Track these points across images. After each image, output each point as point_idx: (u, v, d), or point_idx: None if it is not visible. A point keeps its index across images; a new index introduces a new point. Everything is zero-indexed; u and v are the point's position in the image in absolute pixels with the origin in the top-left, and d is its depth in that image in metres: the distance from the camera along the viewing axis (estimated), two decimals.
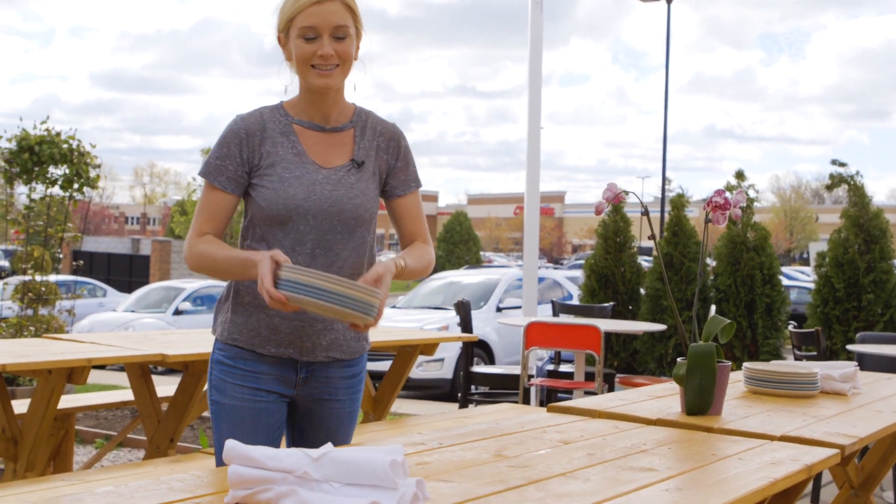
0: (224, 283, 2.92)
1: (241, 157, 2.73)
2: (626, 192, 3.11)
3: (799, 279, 27.00)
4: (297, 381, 2.81)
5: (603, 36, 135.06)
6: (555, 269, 25.59)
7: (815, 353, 6.87)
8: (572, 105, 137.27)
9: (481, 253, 49.83)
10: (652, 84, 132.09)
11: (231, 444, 1.81)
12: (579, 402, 3.30)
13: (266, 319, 2.75)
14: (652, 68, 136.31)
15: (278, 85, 2.85)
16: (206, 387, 3.71)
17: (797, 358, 6.95)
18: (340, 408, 2.88)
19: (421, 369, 11.79)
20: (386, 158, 2.86)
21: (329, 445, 1.84)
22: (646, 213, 3.15)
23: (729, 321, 3.10)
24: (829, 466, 2.71)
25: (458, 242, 46.98)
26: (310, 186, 2.71)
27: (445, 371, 11.97)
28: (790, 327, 8.03)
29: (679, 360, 3.09)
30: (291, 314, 2.72)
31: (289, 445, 2.87)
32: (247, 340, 2.77)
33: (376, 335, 5.94)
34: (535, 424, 2.85)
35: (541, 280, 14.12)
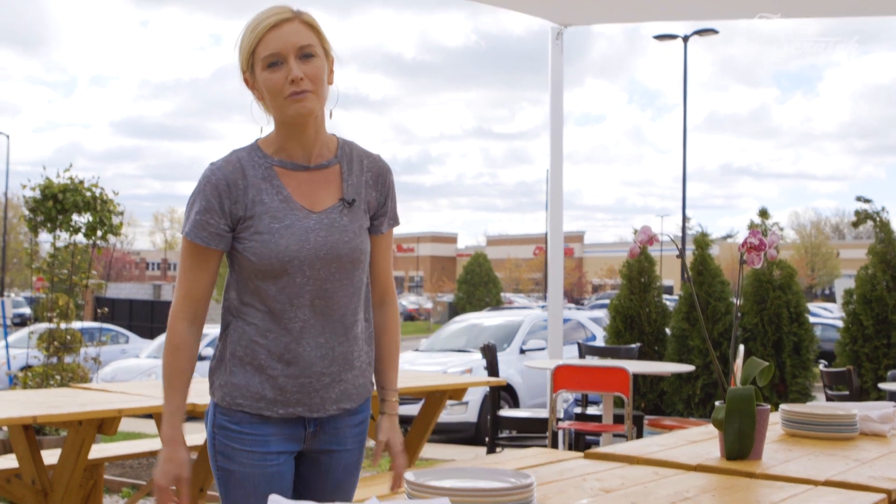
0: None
1: (222, 210, 2.56)
2: (660, 235, 3.09)
3: (823, 315, 26.82)
4: (307, 437, 2.69)
5: (618, 76, 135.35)
6: (577, 309, 25.52)
7: (846, 392, 6.80)
8: (589, 145, 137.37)
9: (502, 294, 49.76)
10: (667, 123, 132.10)
11: (275, 499, 1.79)
12: (616, 447, 3.26)
13: (270, 380, 2.59)
14: (667, 107, 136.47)
15: None
16: None
17: (828, 397, 6.88)
18: (348, 457, 2.77)
19: (446, 413, 11.70)
20: (375, 195, 2.72)
21: (374, 500, 1.81)
22: (681, 255, 3.12)
23: (766, 364, 3.06)
24: None
25: (479, 284, 46.96)
26: (302, 235, 2.56)
27: (470, 414, 11.90)
28: (820, 366, 7.94)
29: (717, 404, 3.05)
30: (295, 371, 2.59)
31: (293, 496, 2.72)
32: (251, 405, 2.60)
33: (406, 381, 5.91)
34: (574, 472, 2.81)
35: (564, 321, 14.07)
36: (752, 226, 10.02)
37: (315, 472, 2.75)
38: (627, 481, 2.67)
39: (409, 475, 2.16)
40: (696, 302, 3.38)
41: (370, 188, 2.71)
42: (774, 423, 3.73)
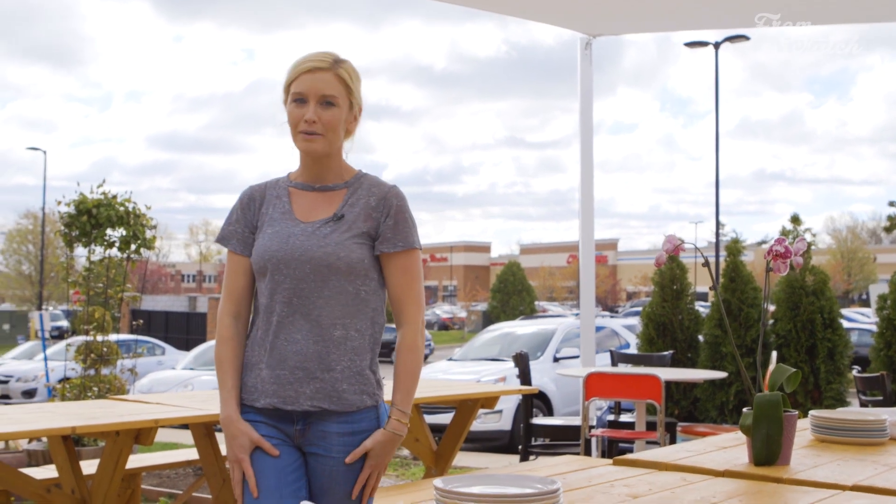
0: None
1: (245, 219, 3.00)
2: (684, 242, 3.11)
3: (859, 321, 26.61)
4: (295, 434, 2.86)
5: (649, 84, 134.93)
6: (611, 317, 25.45)
7: (881, 397, 6.77)
8: (622, 153, 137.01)
9: (536, 303, 49.66)
10: (699, 130, 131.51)
11: None
12: (645, 454, 3.29)
13: (257, 373, 2.88)
14: (699, 114, 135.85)
15: None
16: None
17: (862, 403, 6.85)
18: (333, 465, 2.84)
19: (479, 421, 11.73)
20: (375, 216, 2.91)
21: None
22: (706, 263, 3.15)
23: (794, 370, 3.08)
24: None
25: (513, 293, 46.89)
26: (285, 239, 2.88)
27: (504, 423, 11.91)
28: (854, 372, 7.91)
29: (745, 410, 3.07)
30: (273, 363, 2.85)
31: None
32: (247, 397, 2.89)
33: (437, 390, 5.95)
34: (602, 478, 2.84)
35: (598, 329, 14.04)
36: (783, 232, 10.00)
37: (308, 473, 2.89)
38: (655, 487, 2.70)
39: (437, 482, 2.20)
40: (722, 308, 3.39)
41: (371, 210, 2.92)
42: (804, 429, 3.74)
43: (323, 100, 2.86)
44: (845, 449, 3.41)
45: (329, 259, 2.83)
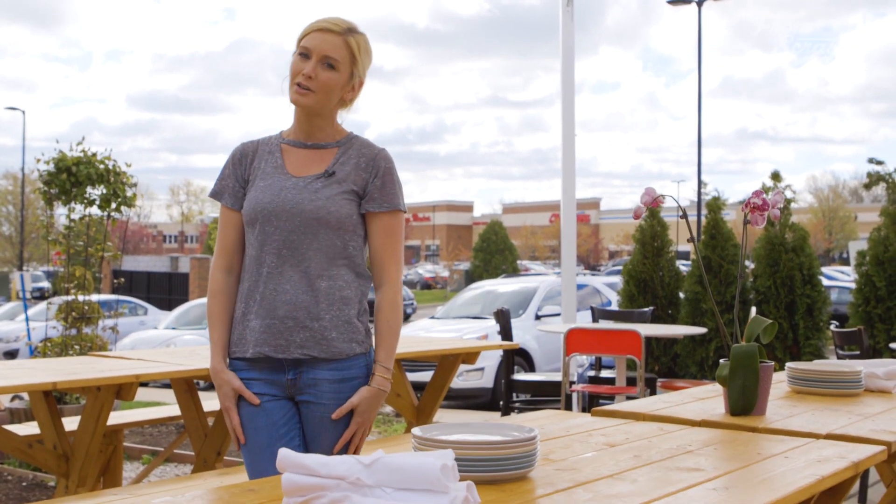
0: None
1: (236, 174, 3.06)
2: (664, 196, 3.13)
3: (839, 279, 26.77)
4: (286, 383, 2.93)
5: (632, 43, 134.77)
6: (592, 275, 25.54)
7: (858, 352, 6.83)
8: (604, 112, 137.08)
9: (518, 262, 49.77)
10: (682, 89, 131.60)
11: (284, 453, 1.85)
12: (623, 405, 3.32)
13: (246, 323, 2.95)
14: (681, 73, 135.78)
15: None
16: None
17: (840, 358, 6.91)
18: (324, 413, 2.91)
19: (461, 379, 11.79)
20: (364, 176, 2.99)
21: (380, 451, 1.87)
22: (684, 216, 3.16)
23: (770, 321, 3.11)
24: (876, 463, 2.70)
25: (495, 252, 46.99)
26: (276, 192, 2.95)
27: (486, 380, 11.97)
28: (832, 327, 7.98)
29: (722, 361, 3.10)
30: (262, 312, 2.91)
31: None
32: (237, 350, 2.96)
33: (418, 346, 5.97)
34: (581, 428, 2.87)
35: (580, 287, 14.11)
36: (763, 189, 10.02)
37: (301, 422, 2.96)
38: (632, 436, 2.73)
39: (416, 430, 2.22)
40: (701, 264, 3.41)
41: (361, 170, 2.99)
42: (781, 381, 3.78)
43: (325, 60, 2.93)
44: (821, 400, 3.45)
45: (319, 213, 2.91)
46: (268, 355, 2.90)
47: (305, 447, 2.93)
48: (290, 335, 2.89)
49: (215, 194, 3.08)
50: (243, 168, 3.05)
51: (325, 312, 2.90)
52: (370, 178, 2.98)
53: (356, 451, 2.94)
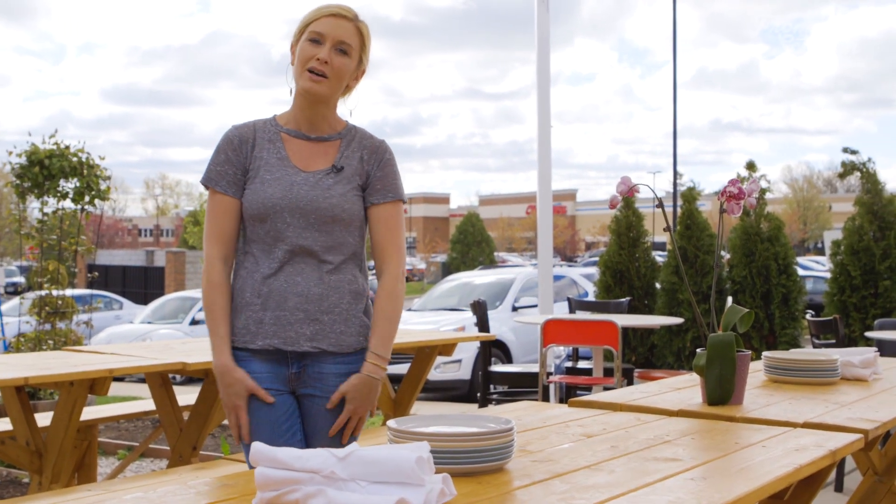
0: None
1: (236, 161, 2.96)
2: (639, 185, 3.11)
3: (815, 269, 26.92)
4: (290, 377, 2.92)
5: (607, 35, 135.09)
6: (569, 266, 25.58)
7: (833, 341, 6.86)
8: (580, 104, 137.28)
9: (495, 253, 49.79)
10: (657, 80, 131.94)
11: (257, 447, 1.82)
12: (601, 395, 3.31)
13: (252, 315, 2.90)
14: (656, 65, 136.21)
15: (286, 94, 3.03)
16: None
17: (816, 346, 6.93)
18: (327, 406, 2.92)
19: (439, 371, 11.78)
20: (367, 168, 2.99)
21: (355, 444, 1.85)
22: (660, 205, 3.15)
23: (747, 310, 3.10)
24: (853, 451, 2.70)
25: (472, 244, 46.99)
26: (288, 187, 2.90)
27: (463, 372, 11.97)
28: (808, 316, 8.01)
29: (699, 351, 3.09)
30: (272, 305, 2.88)
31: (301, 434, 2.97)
32: (240, 339, 2.92)
33: (395, 338, 5.95)
34: (558, 419, 2.85)
35: (557, 278, 14.11)
36: (741, 179, 10.04)
37: (302, 417, 2.96)
38: (609, 427, 2.72)
39: (391, 422, 2.20)
40: (678, 253, 3.40)
41: (364, 162, 2.99)
42: (758, 370, 3.78)
43: (339, 45, 2.90)
44: (797, 389, 3.45)
45: (334, 210, 2.90)
46: (277, 347, 2.89)
47: (306, 441, 2.93)
48: (300, 327, 2.88)
49: (211, 181, 2.95)
50: (244, 155, 2.96)
51: (336, 306, 2.91)
52: (372, 169, 2.99)
53: (355, 434, 2.94)
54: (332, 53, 2.89)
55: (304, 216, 2.89)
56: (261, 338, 2.89)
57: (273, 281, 2.89)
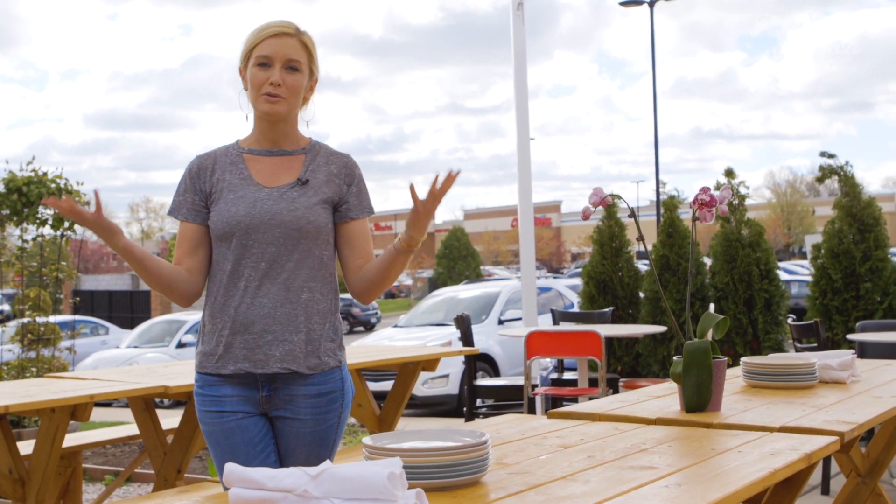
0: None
1: (195, 189, 2.98)
2: (615, 196, 3.13)
3: (799, 273, 27.00)
4: (261, 400, 2.91)
5: (586, 47, 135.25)
6: (555, 278, 25.59)
7: (815, 344, 6.88)
8: (562, 116, 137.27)
9: (481, 267, 49.77)
10: (637, 91, 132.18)
11: (231, 468, 1.83)
12: (580, 406, 3.32)
13: (221, 339, 2.90)
14: (635, 76, 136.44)
15: None
16: None
17: (798, 350, 6.96)
18: (301, 426, 2.92)
19: (426, 386, 11.77)
20: (338, 183, 2.99)
21: (328, 462, 1.85)
22: (633, 214, 3.17)
23: (722, 317, 3.12)
24: (830, 453, 2.72)
25: (458, 258, 46.93)
26: (251, 203, 2.90)
27: (451, 387, 11.95)
28: (790, 320, 8.04)
29: (675, 358, 3.10)
30: (240, 328, 2.87)
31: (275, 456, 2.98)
32: (211, 365, 2.92)
33: (377, 355, 5.95)
34: (536, 431, 2.86)
35: (542, 291, 14.12)
36: (717, 186, 10.09)
37: (276, 437, 2.96)
38: (587, 437, 2.73)
39: (366, 440, 2.21)
40: (652, 263, 3.43)
41: (334, 177, 2.98)
42: (736, 376, 3.80)
43: (288, 64, 2.91)
44: (775, 393, 3.47)
45: (300, 223, 2.89)
46: (248, 371, 2.88)
47: (281, 462, 2.93)
48: (269, 349, 2.87)
49: (173, 211, 3.00)
50: (202, 181, 2.97)
51: (304, 325, 2.89)
52: (345, 186, 2.99)
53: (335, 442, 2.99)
54: (283, 74, 2.90)
55: (269, 231, 2.88)
56: (231, 362, 2.89)
57: (239, 303, 2.88)
